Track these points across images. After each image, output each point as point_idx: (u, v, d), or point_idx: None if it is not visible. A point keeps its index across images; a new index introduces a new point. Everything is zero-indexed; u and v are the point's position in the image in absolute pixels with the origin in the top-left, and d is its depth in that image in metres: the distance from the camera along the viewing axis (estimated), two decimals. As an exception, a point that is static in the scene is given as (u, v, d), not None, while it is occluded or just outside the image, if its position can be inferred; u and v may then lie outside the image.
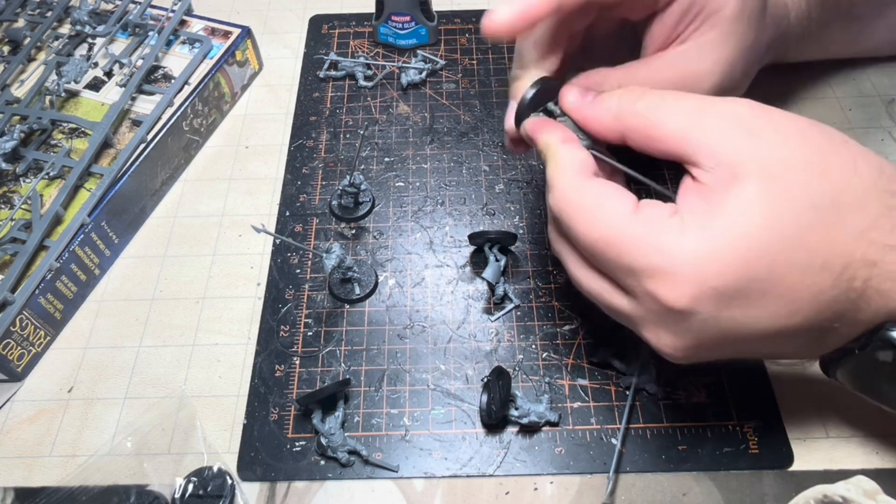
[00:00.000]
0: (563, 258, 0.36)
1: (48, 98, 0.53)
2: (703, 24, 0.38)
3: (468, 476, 0.39)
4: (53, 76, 0.55)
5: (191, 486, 0.39)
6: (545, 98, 0.37)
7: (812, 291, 0.29)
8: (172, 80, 0.55)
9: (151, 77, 0.55)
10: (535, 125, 0.36)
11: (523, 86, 0.37)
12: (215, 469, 0.39)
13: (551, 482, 0.39)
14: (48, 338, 0.45)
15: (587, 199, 0.32)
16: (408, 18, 0.59)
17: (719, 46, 0.39)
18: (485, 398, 0.39)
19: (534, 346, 0.44)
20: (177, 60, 0.56)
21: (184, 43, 0.58)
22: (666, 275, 0.29)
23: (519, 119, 0.37)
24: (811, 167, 0.30)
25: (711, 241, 0.29)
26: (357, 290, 0.46)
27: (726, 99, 0.32)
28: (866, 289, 0.30)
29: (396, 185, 0.52)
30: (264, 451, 0.40)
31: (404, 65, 0.59)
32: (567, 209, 0.32)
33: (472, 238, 0.47)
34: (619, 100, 0.33)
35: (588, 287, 0.34)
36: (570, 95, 0.36)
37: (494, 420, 0.40)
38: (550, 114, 0.37)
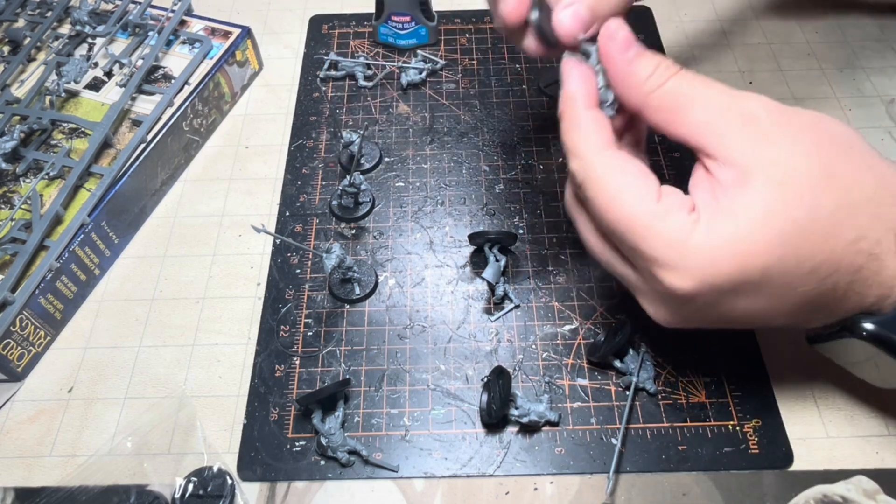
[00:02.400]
0: (576, 222, 0.37)
1: (48, 98, 0.53)
2: None
3: (468, 476, 0.39)
4: (53, 76, 0.55)
5: (191, 486, 0.39)
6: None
7: (798, 292, 0.31)
8: (172, 80, 0.55)
9: (151, 77, 0.55)
10: (569, 66, 0.35)
11: None
12: (215, 469, 0.39)
13: (551, 482, 0.39)
14: (48, 338, 0.45)
15: (613, 178, 0.32)
16: (408, 18, 0.59)
17: None
18: (485, 398, 0.39)
19: (534, 346, 0.44)
20: (177, 60, 0.56)
21: (184, 43, 0.58)
22: (675, 267, 0.31)
23: (542, 33, 0.35)
24: (816, 180, 0.31)
25: (717, 242, 0.30)
26: (357, 290, 0.46)
27: (748, 95, 0.32)
28: (847, 291, 0.32)
29: (396, 185, 0.52)
30: (264, 451, 0.40)
31: (404, 65, 0.59)
32: (591, 184, 0.33)
33: (472, 238, 0.47)
34: (656, 69, 0.33)
35: (598, 253, 0.36)
36: (614, 43, 0.33)
37: (494, 419, 0.40)
38: (586, 55, 0.35)
